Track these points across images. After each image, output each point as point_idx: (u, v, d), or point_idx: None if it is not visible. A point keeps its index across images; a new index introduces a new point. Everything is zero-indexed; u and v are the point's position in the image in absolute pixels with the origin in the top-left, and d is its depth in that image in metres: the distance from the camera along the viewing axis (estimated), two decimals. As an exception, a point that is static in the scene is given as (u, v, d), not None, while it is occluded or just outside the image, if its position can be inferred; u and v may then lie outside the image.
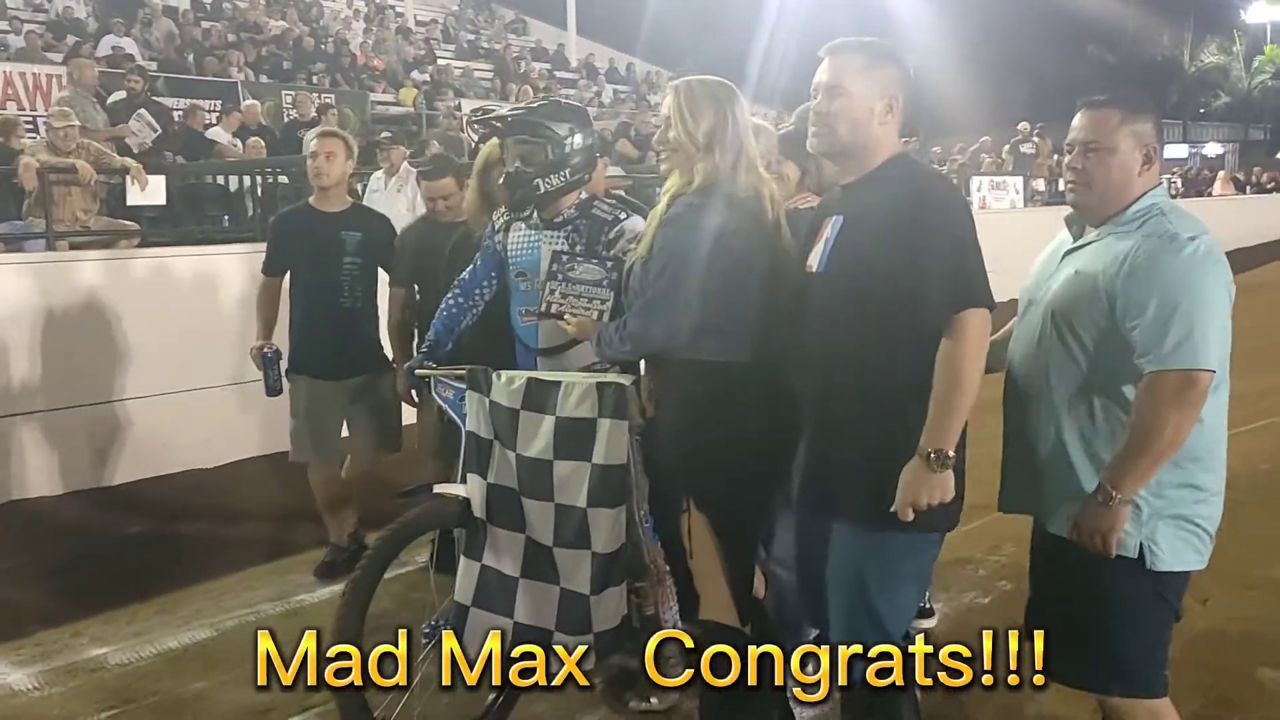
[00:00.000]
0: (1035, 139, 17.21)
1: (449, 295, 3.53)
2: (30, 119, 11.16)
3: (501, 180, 3.27)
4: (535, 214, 3.32)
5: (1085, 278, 2.40)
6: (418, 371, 3.33)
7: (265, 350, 4.43)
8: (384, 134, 10.53)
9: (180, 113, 11.35)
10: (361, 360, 4.46)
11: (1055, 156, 16.51)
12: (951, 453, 2.35)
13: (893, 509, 2.38)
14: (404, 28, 21.45)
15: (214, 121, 11.81)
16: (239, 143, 10.91)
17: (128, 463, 5.73)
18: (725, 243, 2.69)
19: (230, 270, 6.33)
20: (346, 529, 4.63)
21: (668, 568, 3.27)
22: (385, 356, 4.52)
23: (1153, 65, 34.72)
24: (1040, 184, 16.01)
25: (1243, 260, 13.78)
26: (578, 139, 3.24)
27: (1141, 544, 2.34)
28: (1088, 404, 2.41)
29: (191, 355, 5.99)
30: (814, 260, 2.57)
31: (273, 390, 4.44)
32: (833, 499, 2.54)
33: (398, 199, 8.18)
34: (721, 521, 2.81)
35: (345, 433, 4.63)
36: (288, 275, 4.53)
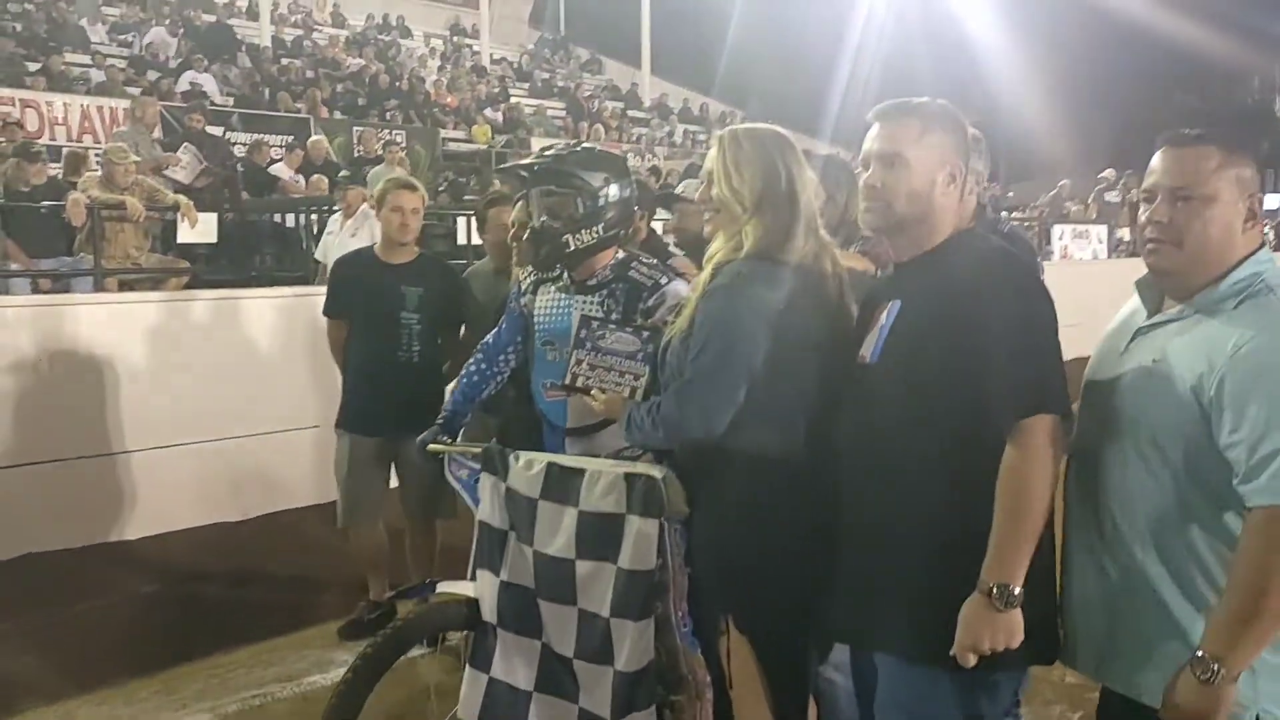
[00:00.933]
0: (1121, 186, 16.45)
1: (470, 361, 3.18)
2: (101, 152, 11.24)
3: (526, 235, 2.91)
4: (566, 275, 2.95)
5: (1166, 372, 1.90)
6: (430, 447, 2.98)
7: None
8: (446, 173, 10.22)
9: (245, 147, 11.31)
10: (413, 418, 4.13)
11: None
12: (1018, 589, 1.95)
13: (952, 651, 1.99)
14: (479, 65, 21.53)
15: (279, 157, 11.78)
16: (301, 179, 10.82)
17: (151, 515, 5.46)
18: (777, 319, 2.29)
19: (273, 313, 6.09)
20: (386, 590, 4.36)
21: (709, 678, 2.84)
22: None
23: (1243, 110, 33.49)
24: (1125, 233, 15.29)
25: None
26: (613, 190, 2.85)
27: (1258, 716, 1.83)
28: (1179, 537, 1.89)
29: (224, 402, 5.73)
30: (867, 349, 2.19)
31: None
32: (877, 628, 2.14)
33: (350, 244, 7.10)
34: (766, 646, 2.40)
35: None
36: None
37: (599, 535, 2.57)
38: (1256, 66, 33.17)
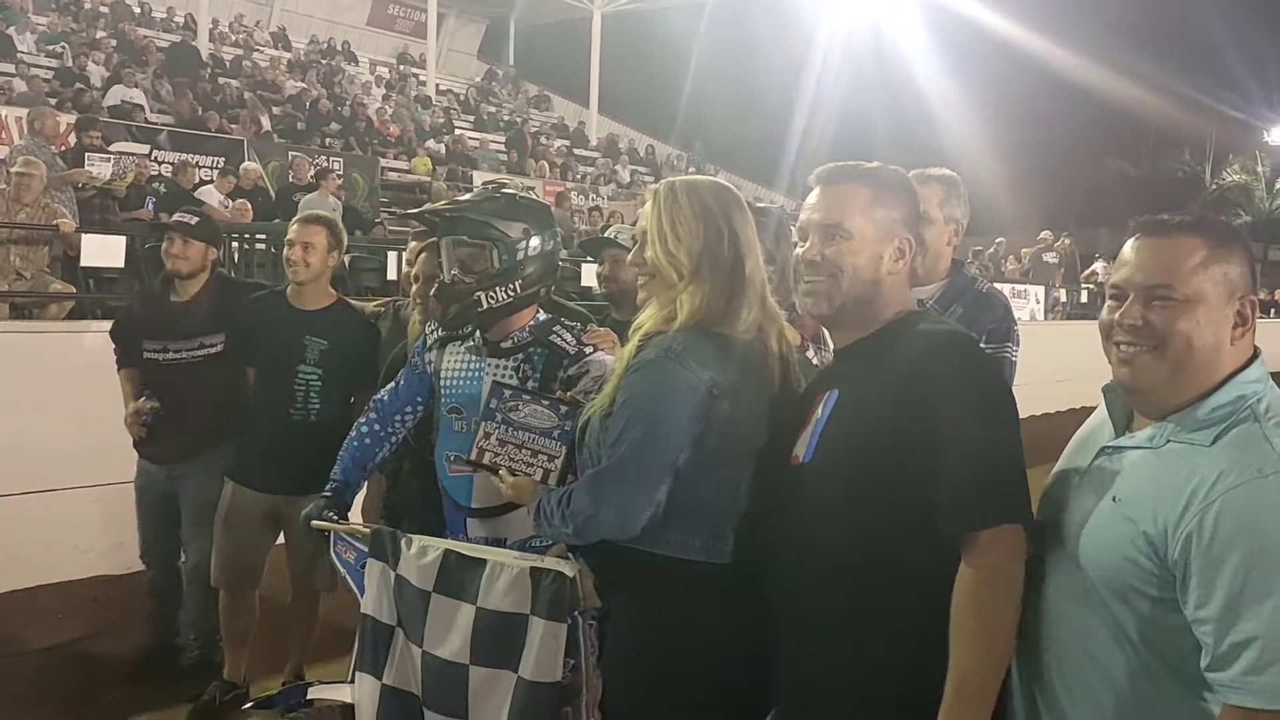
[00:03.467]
0: (1058, 246, 16.57)
1: (361, 420, 2.81)
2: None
3: (434, 290, 2.59)
4: (479, 334, 2.63)
5: (1129, 516, 1.57)
6: (314, 523, 2.61)
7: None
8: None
9: (170, 167, 10.82)
10: (304, 482, 3.72)
11: (1098, 269, 15.87)
12: None
13: None
14: (424, 96, 21.19)
15: (208, 179, 11.28)
16: (230, 204, 10.35)
17: (24, 566, 4.94)
18: (710, 403, 1.99)
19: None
20: (244, 669, 3.91)
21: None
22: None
23: (1173, 180, 34.52)
24: (1062, 294, 15.40)
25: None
26: (534, 243, 2.54)
27: None
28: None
29: (109, 442, 5.21)
30: (801, 447, 1.92)
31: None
32: None
33: None
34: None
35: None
36: None
37: (498, 638, 2.25)
38: (1189, 135, 34.23)
